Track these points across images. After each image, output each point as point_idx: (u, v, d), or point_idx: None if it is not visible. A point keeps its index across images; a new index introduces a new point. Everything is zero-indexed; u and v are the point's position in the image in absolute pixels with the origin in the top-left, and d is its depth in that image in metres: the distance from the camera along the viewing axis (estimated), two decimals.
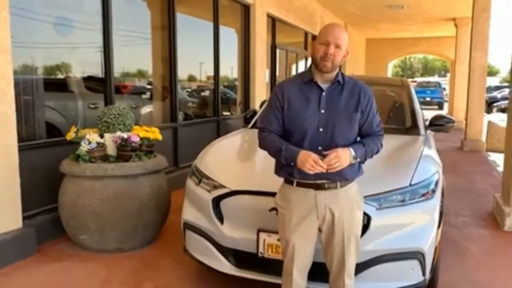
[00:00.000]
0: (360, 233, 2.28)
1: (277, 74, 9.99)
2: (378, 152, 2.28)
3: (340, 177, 2.16)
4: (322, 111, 2.16)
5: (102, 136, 3.76)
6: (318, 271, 2.38)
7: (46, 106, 4.39)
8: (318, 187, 2.16)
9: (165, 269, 3.42)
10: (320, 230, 2.23)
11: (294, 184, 2.21)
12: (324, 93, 2.18)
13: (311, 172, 2.05)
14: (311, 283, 2.40)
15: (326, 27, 2.18)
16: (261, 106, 4.95)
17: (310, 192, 2.18)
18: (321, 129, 2.15)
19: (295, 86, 2.24)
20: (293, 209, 2.21)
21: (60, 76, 4.96)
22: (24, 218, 3.67)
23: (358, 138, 2.26)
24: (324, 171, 2.05)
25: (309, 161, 2.03)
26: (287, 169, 2.19)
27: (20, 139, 3.65)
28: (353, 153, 2.10)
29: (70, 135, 3.81)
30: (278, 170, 2.28)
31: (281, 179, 2.32)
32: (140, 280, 3.25)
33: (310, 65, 2.25)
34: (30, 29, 4.24)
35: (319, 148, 2.12)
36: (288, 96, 2.21)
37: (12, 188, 3.53)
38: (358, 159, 2.15)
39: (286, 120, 2.21)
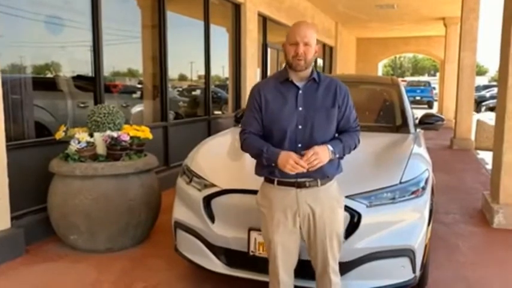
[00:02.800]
0: (341, 230, 2.28)
1: (268, 73, 9.98)
2: (355, 147, 2.30)
3: (321, 175, 2.18)
4: (300, 108, 2.19)
5: (91, 135, 3.74)
6: (306, 268, 2.38)
7: (35, 105, 4.34)
8: (299, 185, 2.18)
9: (156, 269, 3.41)
10: (301, 228, 2.24)
11: (275, 183, 2.22)
12: (300, 91, 2.21)
13: (292, 173, 2.07)
14: (299, 280, 2.40)
15: (293, 28, 2.21)
16: None
17: (292, 190, 2.19)
18: (299, 127, 2.17)
19: (272, 86, 2.27)
20: (275, 208, 2.22)
21: (49, 75, 4.91)
22: (12, 218, 3.64)
23: (336, 135, 2.28)
24: (305, 170, 2.07)
25: (290, 162, 2.05)
26: (268, 168, 2.20)
27: (8, 138, 3.61)
28: (331, 149, 2.13)
29: (59, 135, 3.77)
30: (259, 170, 2.29)
31: None
32: (131, 280, 3.23)
33: (285, 65, 2.27)
34: (18, 27, 4.19)
35: (299, 145, 2.15)
36: (265, 97, 2.23)
37: (0, 188, 3.49)
38: (337, 155, 2.17)
39: (265, 120, 2.23)
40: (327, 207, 2.21)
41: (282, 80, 2.25)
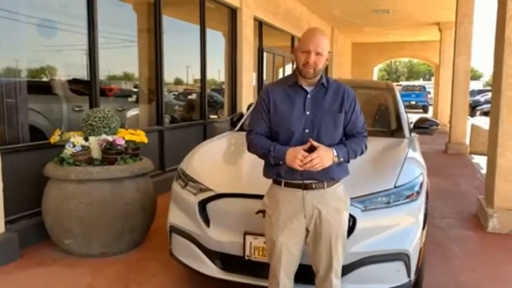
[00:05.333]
0: (346, 233, 2.29)
1: (264, 77, 10.01)
2: (362, 153, 2.31)
3: (328, 177, 2.19)
4: (308, 112, 2.20)
5: (87, 139, 3.73)
6: (303, 273, 2.38)
7: (30, 109, 4.33)
8: (306, 187, 2.19)
9: (151, 273, 3.40)
10: (307, 230, 2.24)
11: (282, 184, 2.22)
12: (308, 96, 2.22)
13: (301, 169, 2.07)
14: (296, 285, 2.39)
15: (306, 35, 2.21)
16: (247, 109, 4.95)
17: (298, 192, 2.19)
18: (306, 131, 2.19)
19: (281, 89, 2.28)
20: (281, 210, 2.22)
21: (44, 79, 4.90)
22: (6, 222, 3.61)
23: (343, 139, 2.29)
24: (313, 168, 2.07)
25: (299, 157, 2.06)
26: (275, 170, 2.21)
27: (3, 142, 3.60)
28: (335, 153, 2.14)
29: (54, 138, 3.76)
30: (266, 172, 2.30)
31: (267, 182, 2.33)
32: (126, 285, 3.21)
33: (295, 69, 2.29)
34: (14, 31, 4.18)
35: (306, 149, 2.14)
36: (273, 99, 2.25)
37: None
38: (342, 159, 2.18)
39: (273, 122, 2.25)
40: (333, 209, 2.22)
41: (290, 83, 2.26)
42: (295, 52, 2.22)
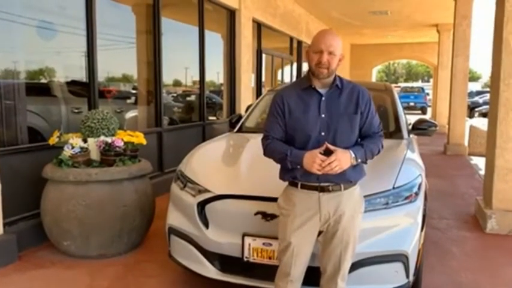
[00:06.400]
0: (357, 236, 2.29)
1: (263, 78, 10.02)
2: (379, 152, 2.31)
3: (344, 180, 2.19)
4: (323, 115, 2.19)
5: (85, 141, 3.73)
6: (308, 274, 2.37)
7: (28, 111, 4.33)
8: (322, 189, 2.18)
9: (150, 275, 3.39)
10: (321, 231, 2.25)
11: (299, 186, 2.22)
12: (323, 98, 2.22)
13: (319, 173, 2.07)
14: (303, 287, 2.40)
15: (318, 36, 2.21)
16: (246, 110, 4.96)
17: (314, 194, 2.19)
18: (322, 134, 2.18)
19: (294, 93, 2.27)
20: (296, 211, 2.22)
21: (43, 80, 4.90)
22: (5, 224, 3.61)
23: (359, 140, 2.29)
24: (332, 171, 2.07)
25: (317, 161, 2.06)
26: (291, 173, 2.21)
27: (1, 144, 3.60)
28: (353, 155, 2.14)
29: (53, 140, 3.76)
30: (282, 175, 2.29)
31: (266, 183, 2.33)
32: (125, 286, 3.21)
33: (308, 72, 2.28)
34: (12, 32, 4.18)
35: (322, 152, 2.14)
36: (288, 103, 2.24)
37: None
38: (359, 160, 2.18)
39: (288, 126, 2.24)
40: (349, 212, 2.22)
41: (304, 86, 2.25)
42: (308, 54, 2.21)
